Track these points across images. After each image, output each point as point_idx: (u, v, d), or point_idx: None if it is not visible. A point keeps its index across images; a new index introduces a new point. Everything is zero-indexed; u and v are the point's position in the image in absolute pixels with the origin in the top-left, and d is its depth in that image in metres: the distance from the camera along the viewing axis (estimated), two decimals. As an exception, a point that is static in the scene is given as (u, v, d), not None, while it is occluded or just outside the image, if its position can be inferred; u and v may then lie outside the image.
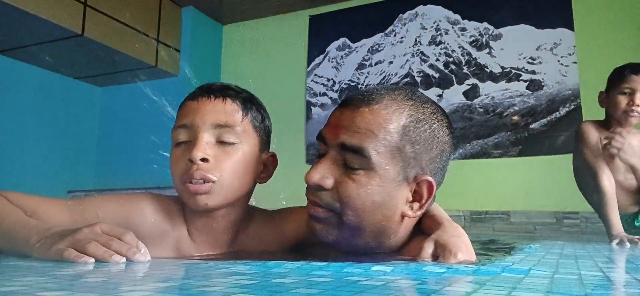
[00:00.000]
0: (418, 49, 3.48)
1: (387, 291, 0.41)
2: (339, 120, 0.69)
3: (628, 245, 1.43)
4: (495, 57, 3.23)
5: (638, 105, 1.62)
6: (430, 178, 0.69)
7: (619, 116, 1.65)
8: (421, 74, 3.45)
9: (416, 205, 0.71)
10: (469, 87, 3.28)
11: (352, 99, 0.71)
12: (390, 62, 3.55)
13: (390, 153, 0.66)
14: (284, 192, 3.72)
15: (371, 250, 0.74)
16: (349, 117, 0.68)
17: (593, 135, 1.69)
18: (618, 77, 1.67)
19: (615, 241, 1.50)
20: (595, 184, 1.64)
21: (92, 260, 0.57)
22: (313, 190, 0.69)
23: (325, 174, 0.67)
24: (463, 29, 3.36)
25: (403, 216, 0.71)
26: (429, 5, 3.47)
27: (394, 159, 0.66)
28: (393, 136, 0.66)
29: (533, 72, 3.11)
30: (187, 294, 0.39)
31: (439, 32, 3.43)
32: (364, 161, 0.65)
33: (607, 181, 1.62)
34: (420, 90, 3.54)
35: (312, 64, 3.80)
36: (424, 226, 0.77)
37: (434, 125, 0.70)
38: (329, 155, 0.69)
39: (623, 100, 1.64)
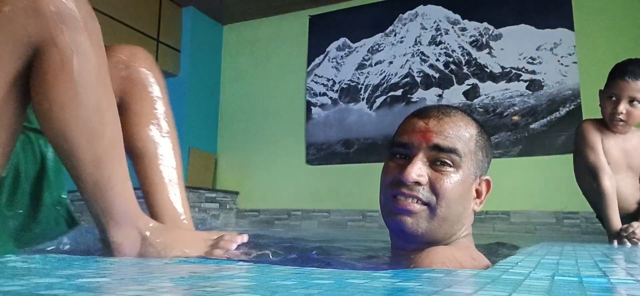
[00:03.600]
0: (418, 49, 3.48)
1: (387, 293, 0.41)
2: (426, 128, 0.82)
3: (628, 245, 1.43)
4: (495, 57, 3.23)
5: (621, 113, 1.57)
6: (488, 178, 0.86)
7: (606, 120, 1.64)
8: (421, 74, 3.45)
9: (478, 200, 0.86)
10: (469, 87, 3.28)
11: (430, 111, 0.85)
12: (390, 62, 3.55)
13: (470, 154, 0.82)
14: (284, 191, 3.73)
15: (440, 242, 0.82)
16: (436, 125, 0.82)
17: (593, 134, 1.66)
18: (609, 79, 1.63)
19: (616, 241, 1.50)
20: (596, 184, 1.62)
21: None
22: (409, 186, 0.79)
23: (420, 172, 0.79)
24: (463, 29, 3.36)
25: (471, 210, 0.86)
26: (429, 5, 3.47)
27: (471, 160, 0.82)
28: (471, 141, 0.83)
29: (533, 72, 3.11)
30: (187, 294, 0.39)
31: (439, 32, 3.43)
32: (456, 159, 0.80)
33: (608, 181, 1.60)
34: (420, 90, 3.56)
35: (312, 64, 3.80)
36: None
37: (486, 136, 0.88)
38: (417, 156, 0.80)
39: (608, 105, 1.60)
